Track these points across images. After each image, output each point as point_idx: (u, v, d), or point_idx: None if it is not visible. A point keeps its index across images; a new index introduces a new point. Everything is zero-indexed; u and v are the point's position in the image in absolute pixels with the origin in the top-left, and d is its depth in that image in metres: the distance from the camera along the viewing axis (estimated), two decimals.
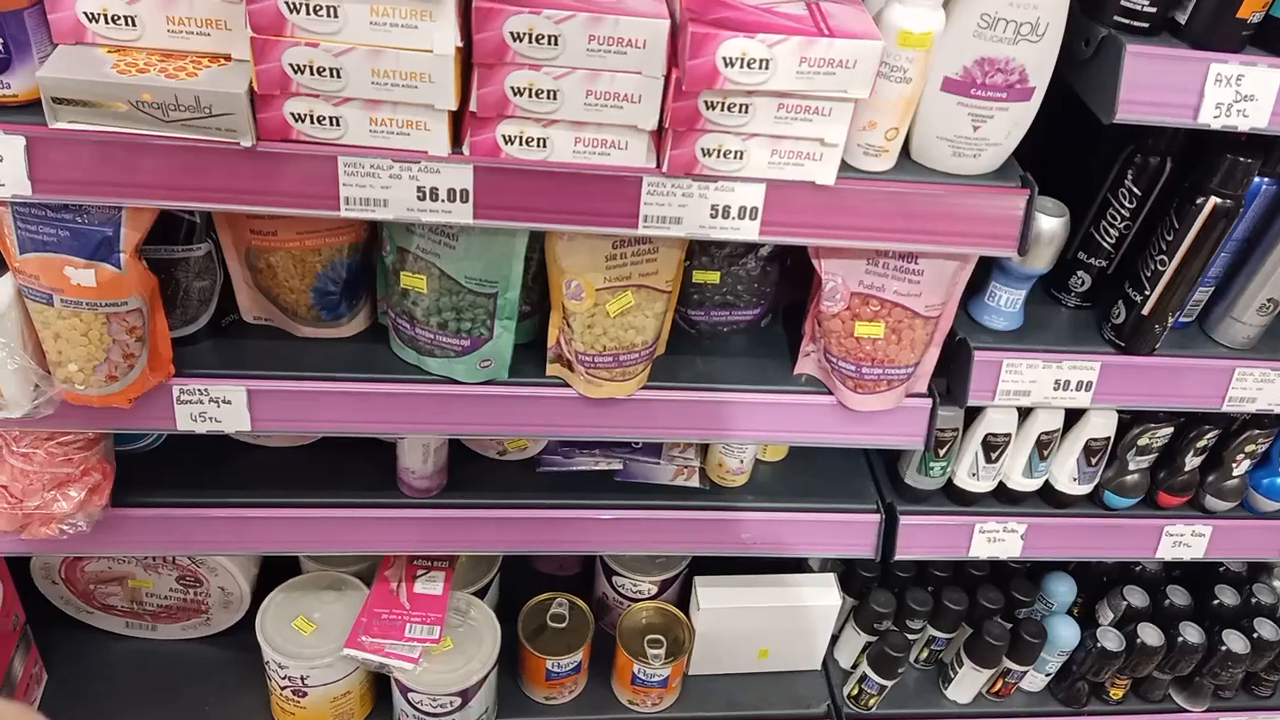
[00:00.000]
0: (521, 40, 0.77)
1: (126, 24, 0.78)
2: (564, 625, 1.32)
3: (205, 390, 0.99)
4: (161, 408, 0.99)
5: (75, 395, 0.93)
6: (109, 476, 1.07)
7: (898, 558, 1.22)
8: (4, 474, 1.01)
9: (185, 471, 1.14)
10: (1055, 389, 1.07)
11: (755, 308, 1.10)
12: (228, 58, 0.81)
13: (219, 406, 1.00)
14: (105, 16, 0.77)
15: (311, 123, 0.81)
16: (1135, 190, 1.03)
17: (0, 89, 0.78)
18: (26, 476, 1.01)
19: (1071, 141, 1.04)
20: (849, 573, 1.37)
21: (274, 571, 1.31)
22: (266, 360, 1.02)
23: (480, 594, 1.33)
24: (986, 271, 1.05)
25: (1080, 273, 1.10)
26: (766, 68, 0.78)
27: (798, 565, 1.38)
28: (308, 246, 0.98)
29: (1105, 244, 1.07)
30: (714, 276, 1.06)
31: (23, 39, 0.77)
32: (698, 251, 1.04)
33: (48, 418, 0.95)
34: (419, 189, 0.85)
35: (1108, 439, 1.19)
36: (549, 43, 0.78)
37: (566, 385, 1.05)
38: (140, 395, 0.96)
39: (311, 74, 0.77)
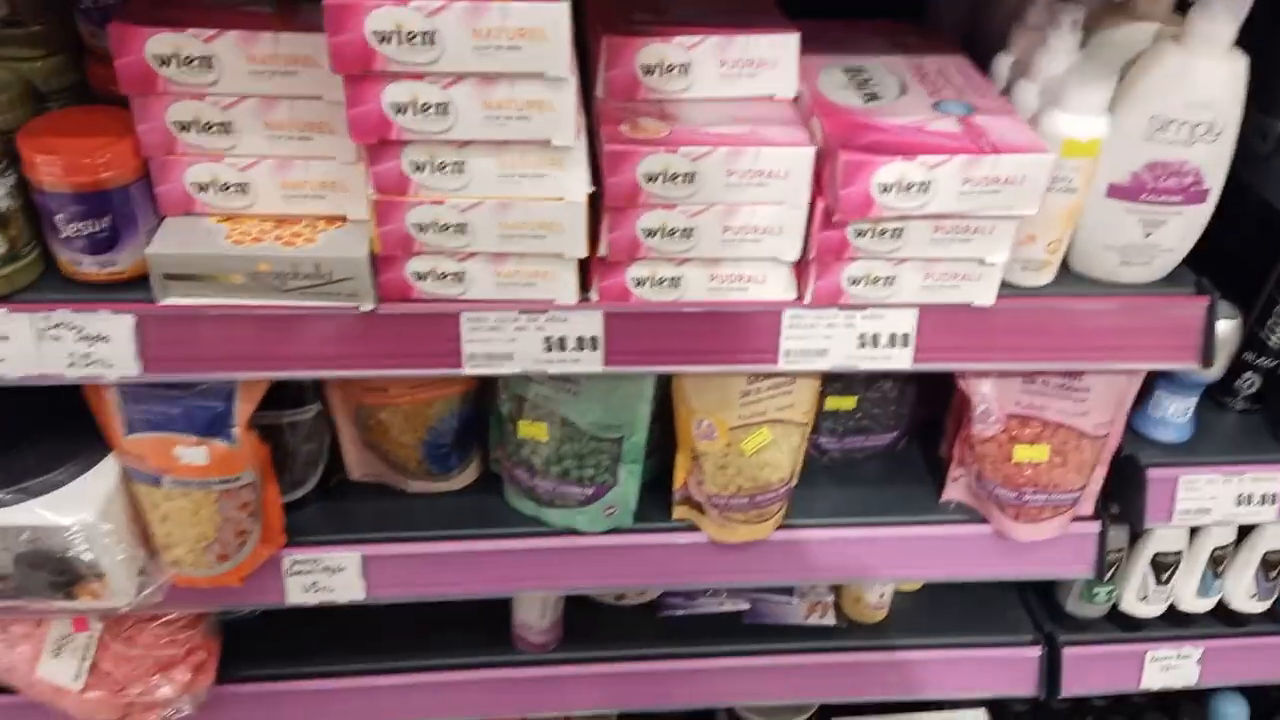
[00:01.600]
0: (655, 181, 0.72)
1: (238, 191, 0.74)
2: None
3: (316, 560, 0.93)
4: (271, 582, 0.93)
5: (184, 577, 0.87)
6: (214, 654, 1.00)
7: (1064, 695, 1.10)
8: (106, 660, 0.95)
9: (289, 636, 1.07)
10: (1238, 504, 0.97)
11: (892, 431, 1.02)
12: (344, 219, 0.76)
13: (331, 575, 0.94)
14: (216, 185, 0.74)
15: (434, 280, 0.76)
16: None
17: (107, 267, 0.74)
18: (129, 662, 0.95)
19: (1222, 233, 0.96)
20: (998, 706, 1.25)
21: None
22: (378, 521, 0.95)
23: None
24: (1149, 380, 0.95)
25: (1248, 374, 1.00)
26: (926, 190, 0.71)
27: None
28: (419, 400, 0.92)
29: (1274, 343, 0.97)
30: (849, 402, 0.98)
31: (128, 214, 0.73)
32: (830, 377, 0.96)
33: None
34: (546, 339, 0.79)
35: None
36: (685, 181, 0.73)
37: (696, 530, 0.97)
38: (252, 572, 0.90)
39: (436, 232, 0.73)
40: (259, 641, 1.06)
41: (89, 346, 0.74)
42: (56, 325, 0.73)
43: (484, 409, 0.98)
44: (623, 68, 0.76)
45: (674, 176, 0.72)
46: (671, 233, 0.75)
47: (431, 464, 0.97)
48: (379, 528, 0.95)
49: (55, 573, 0.82)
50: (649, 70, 0.76)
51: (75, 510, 0.80)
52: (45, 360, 0.74)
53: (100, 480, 0.82)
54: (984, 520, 0.97)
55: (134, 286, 0.75)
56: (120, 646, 0.95)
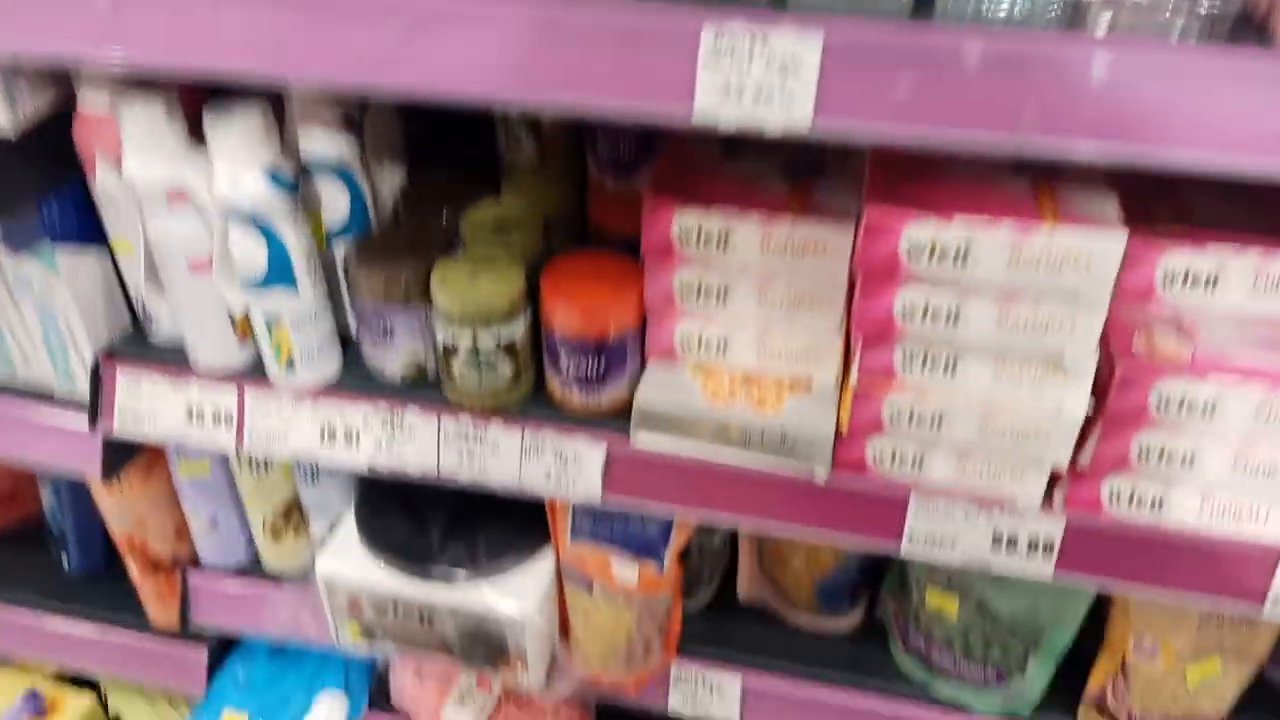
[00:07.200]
0: (1168, 407, 0.66)
1: (718, 350, 0.77)
2: None
3: (701, 676, 0.96)
4: (658, 688, 0.97)
5: (589, 675, 0.93)
6: None
7: None
8: (499, 719, 1.04)
9: None
10: None
11: None
12: (809, 383, 0.77)
13: (711, 694, 0.96)
14: (700, 342, 0.77)
15: (892, 462, 0.74)
16: None
17: (590, 400, 0.80)
18: None
19: None
20: None
21: None
22: (762, 649, 0.96)
23: None
24: None
25: None
26: None
27: None
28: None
29: None
30: None
31: (620, 358, 0.78)
32: None
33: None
34: (995, 536, 0.75)
35: None
36: (1204, 413, 0.66)
37: None
38: (647, 680, 0.94)
39: (910, 422, 0.71)
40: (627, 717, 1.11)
41: (563, 467, 0.81)
42: (541, 444, 0.80)
43: (887, 559, 0.96)
44: (1142, 272, 0.70)
45: (1192, 405, 0.66)
46: (1170, 457, 0.68)
47: (822, 603, 0.96)
48: (761, 654, 0.96)
49: (489, 648, 0.90)
50: (1169, 279, 0.70)
51: (520, 602, 0.87)
52: (525, 473, 0.81)
53: (540, 575, 0.90)
54: None
55: (608, 419, 0.80)
56: (513, 709, 1.04)
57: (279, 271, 0.75)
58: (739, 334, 0.76)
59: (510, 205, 0.84)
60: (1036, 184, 0.64)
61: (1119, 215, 0.62)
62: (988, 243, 0.61)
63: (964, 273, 0.63)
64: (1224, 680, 0.81)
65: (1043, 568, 0.75)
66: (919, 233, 0.62)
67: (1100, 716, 0.88)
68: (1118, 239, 0.60)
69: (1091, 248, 0.60)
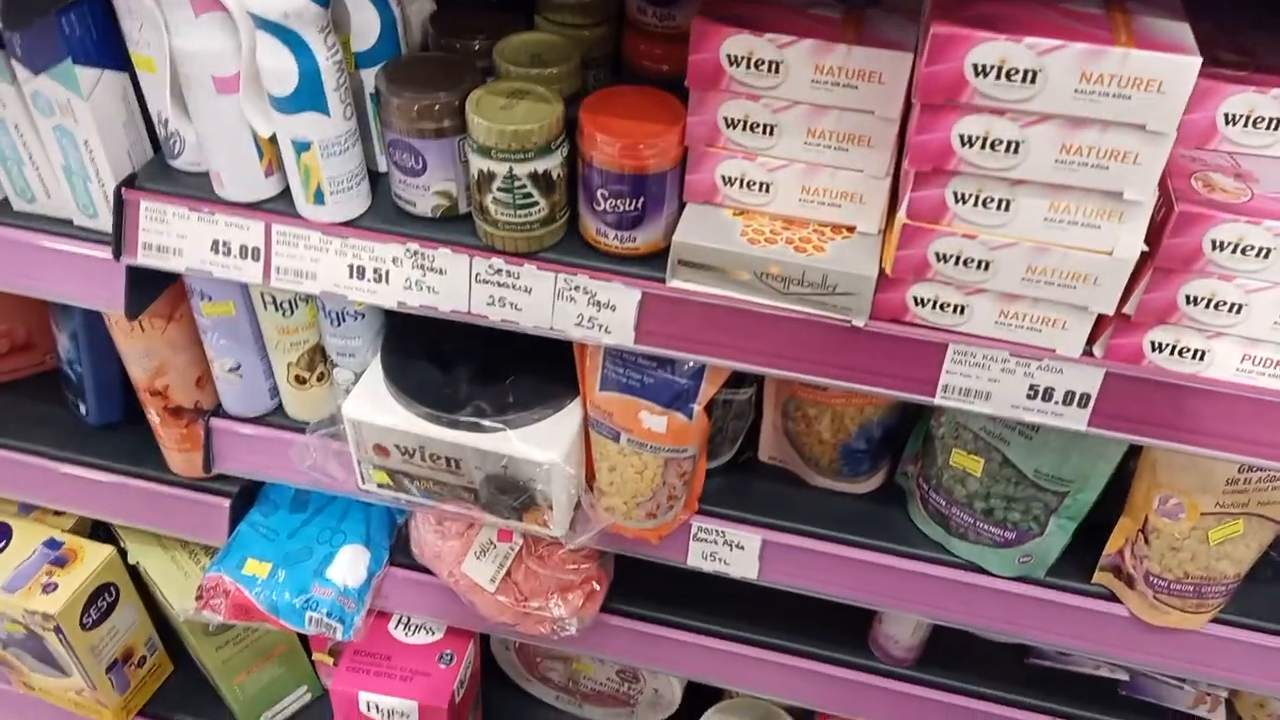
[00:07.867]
0: (1223, 249, 0.65)
1: (761, 190, 0.75)
2: None
3: (722, 533, 0.97)
4: (677, 542, 0.98)
5: (613, 525, 0.94)
6: (605, 585, 1.08)
7: None
8: (519, 572, 1.05)
9: (658, 583, 1.13)
10: None
11: None
12: (851, 229, 0.76)
13: (731, 550, 0.97)
14: (742, 181, 0.75)
15: (933, 308, 0.73)
16: None
17: (626, 242, 0.78)
18: (536, 578, 1.05)
19: None
20: None
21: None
22: (781, 509, 0.97)
23: None
24: None
25: None
26: None
27: None
28: (853, 404, 0.92)
29: None
30: None
31: (659, 197, 0.76)
32: None
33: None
34: (1031, 387, 0.75)
35: None
36: (1259, 255, 0.64)
37: (1115, 600, 0.90)
38: (669, 533, 0.95)
39: (956, 265, 0.70)
40: (633, 581, 1.13)
41: (596, 311, 0.79)
42: (575, 288, 0.79)
43: (910, 420, 0.96)
44: (1204, 112, 0.68)
45: (1247, 249, 0.64)
46: (1219, 305, 0.67)
47: (844, 464, 0.97)
48: (782, 515, 0.97)
49: (515, 497, 0.91)
50: (1230, 120, 0.68)
51: (548, 449, 0.87)
52: (557, 316, 0.80)
53: (568, 424, 0.90)
54: None
55: (644, 262, 0.78)
56: (533, 563, 1.05)
57: (309, 91, 0.72)
58: (783, 175, 0.74)
59: (545, 37, 0.81)
60: (1109, 7, 0.62)
61: (1194, 43, 0.59)
62: (1058, 63, 0.59)
63: (1030, 97, 0.60)
64: (1245, 541, 0.82)
65: (1076, 421, 0.75)
66: (986, 52, 0.59)
67: (1116, 579, 0.90)
68: (1192, 63, 0.57)
69: (1166, 71, 0.58)
